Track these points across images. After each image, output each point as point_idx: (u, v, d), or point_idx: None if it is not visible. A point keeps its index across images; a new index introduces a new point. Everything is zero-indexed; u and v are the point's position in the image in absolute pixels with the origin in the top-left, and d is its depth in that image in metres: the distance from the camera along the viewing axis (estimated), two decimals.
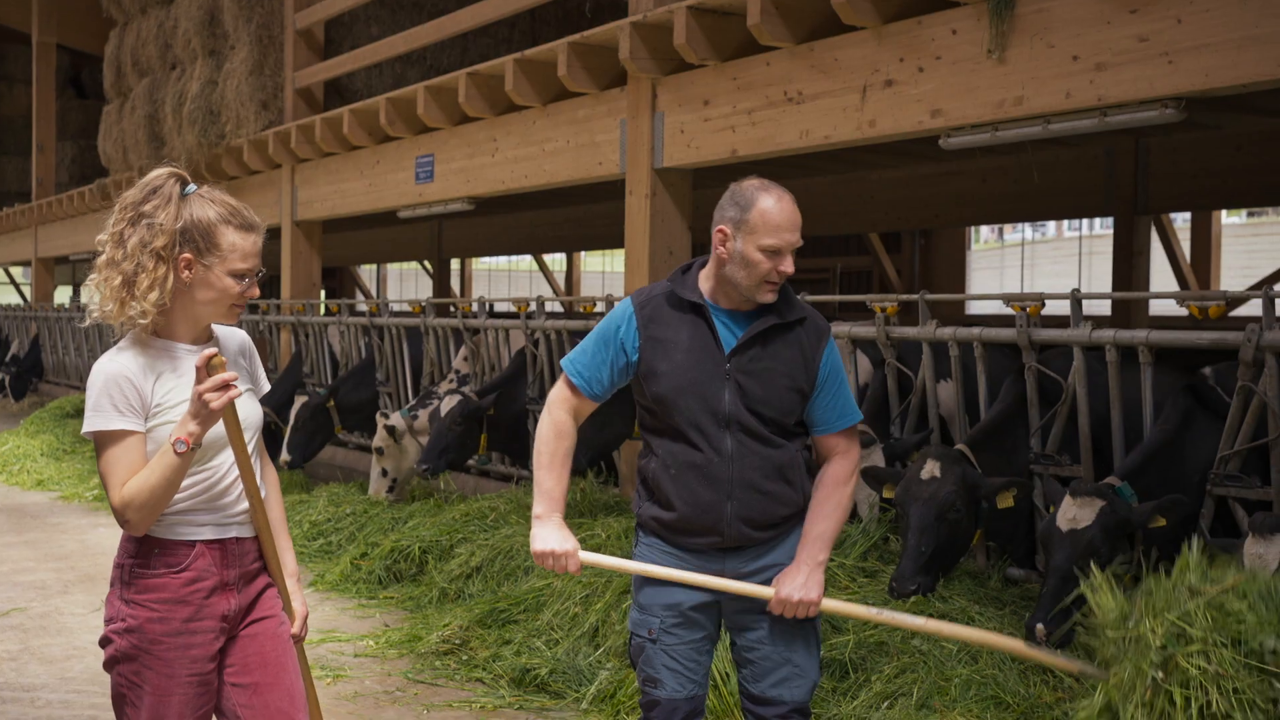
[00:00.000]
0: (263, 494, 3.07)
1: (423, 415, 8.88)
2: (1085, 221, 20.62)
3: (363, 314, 10.81)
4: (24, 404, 18.62)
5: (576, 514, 6.92)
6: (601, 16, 10.02)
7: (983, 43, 5.65)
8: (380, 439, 8.89)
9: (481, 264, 38.88)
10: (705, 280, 3.34)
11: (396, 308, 11.08)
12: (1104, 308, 13.23)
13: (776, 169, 12.16)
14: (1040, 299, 5.44)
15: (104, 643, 2.98)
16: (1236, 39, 4.76)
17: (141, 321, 2.87)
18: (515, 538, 6.81)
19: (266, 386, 3.22)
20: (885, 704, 4.42)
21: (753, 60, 6.88)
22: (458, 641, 5.89)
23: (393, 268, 35.54)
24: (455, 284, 29.43)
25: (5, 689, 5.56)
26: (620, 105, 7.87)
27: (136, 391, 2.87)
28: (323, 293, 30.73)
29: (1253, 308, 10.62)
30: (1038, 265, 21.69)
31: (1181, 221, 16.08)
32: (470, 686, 5.54)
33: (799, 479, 3.36)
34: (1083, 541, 4.53)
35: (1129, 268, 10.59)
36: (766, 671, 3.37)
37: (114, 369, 2.88)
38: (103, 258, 2.92)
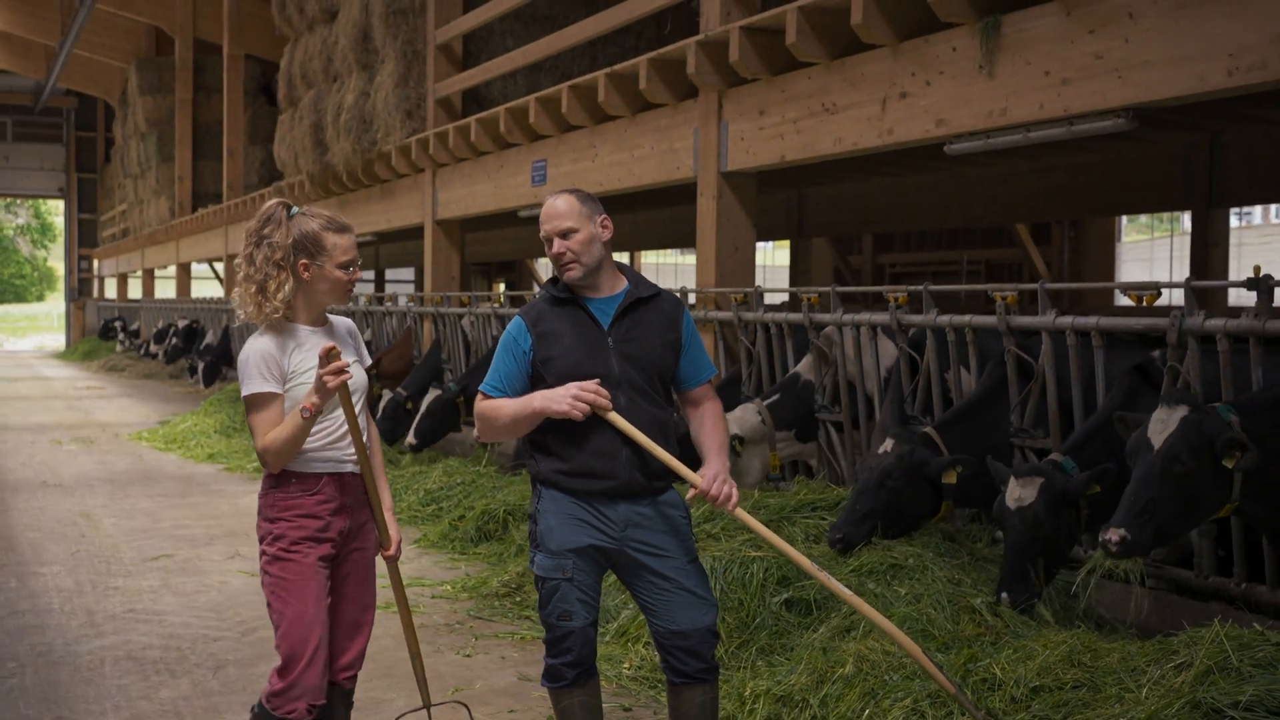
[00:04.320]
0: (365, 440, 4.01)
1: None
2: (1232, 214, 20.46)
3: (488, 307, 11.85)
4: (212, 389, 20.22)
5: None
6: (677, 34, 10.83)
7: (975, 59, 6.31)
8: None
9: (649, 257, 40.13)
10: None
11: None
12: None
13: (881, 168, 12.82)
14: (1016, 289, 6.08)
15: (261, 556, 3.91)
16: (1170, 57, 5.34)
17: (275, 317, 3.83)
18: None
19: (368, 359, 4.17)
20: (839, 636, 5.15)
21: (797, 75, 7.62)
22: (515, 585, 6.82)
23: None
24: None
25: (141, 612, 6.73)
26: (693, 115, 8.68)
27: (276, 363, 3.81)
28: (501, 285, 32.49)
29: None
30: (1185, 257, 21.60)
31: None
32: (518, 623, 6.45)
33: (673, 439, 3.93)
34: (1029, 516, 5.18)
35: (1205, 259, 10.90)
36: (678, 607, 3.90)
37: (260, 346, 3.83)
38: (241, 274, 3.89)
